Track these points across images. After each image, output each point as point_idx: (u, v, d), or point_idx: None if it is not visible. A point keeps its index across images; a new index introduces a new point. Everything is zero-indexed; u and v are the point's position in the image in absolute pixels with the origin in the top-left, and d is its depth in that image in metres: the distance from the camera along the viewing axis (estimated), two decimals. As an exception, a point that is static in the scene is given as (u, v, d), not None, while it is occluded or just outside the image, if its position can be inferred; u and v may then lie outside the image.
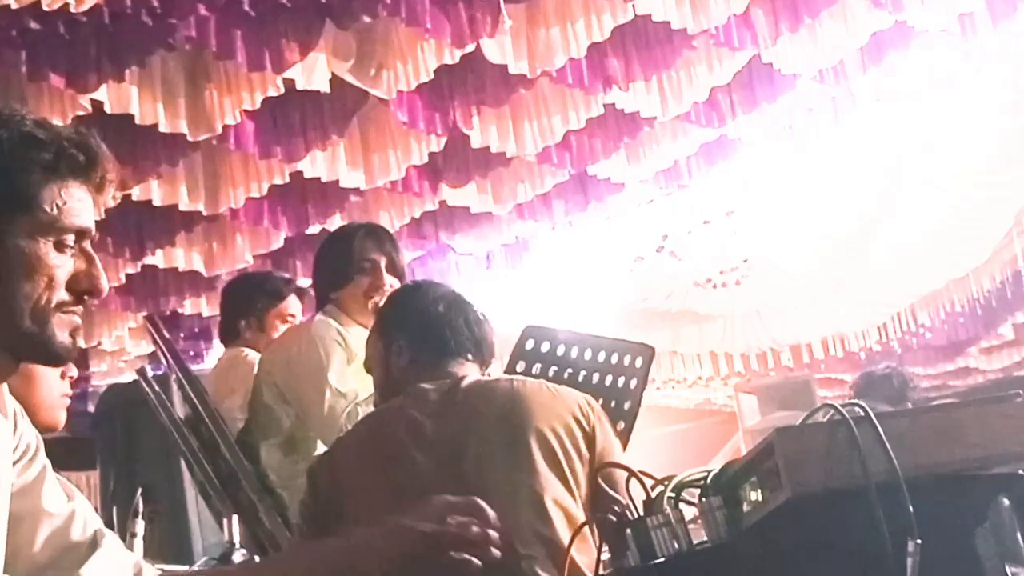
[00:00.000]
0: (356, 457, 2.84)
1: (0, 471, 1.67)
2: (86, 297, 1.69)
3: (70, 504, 1.79)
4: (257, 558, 3.07)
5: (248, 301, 4.53)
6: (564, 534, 2.59)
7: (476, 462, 2.69)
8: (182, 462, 3.71)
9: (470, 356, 2.97)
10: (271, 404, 3.84)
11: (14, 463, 1.73)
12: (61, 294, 1.65)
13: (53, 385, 2.48)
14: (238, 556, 2.92)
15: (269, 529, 3.38)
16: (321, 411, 3.62)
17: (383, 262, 3.84)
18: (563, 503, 2.67)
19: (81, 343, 1.76)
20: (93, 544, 1.79)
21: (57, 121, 5.16)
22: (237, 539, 3.01)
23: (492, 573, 1.90)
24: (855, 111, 7.60)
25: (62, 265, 1.66)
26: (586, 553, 2.53)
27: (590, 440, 2.76)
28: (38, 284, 1.63)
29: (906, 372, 6.63)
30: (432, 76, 5.82)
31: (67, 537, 1.76)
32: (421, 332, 2.97)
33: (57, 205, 1.65)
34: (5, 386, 1.74)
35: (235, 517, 3.08)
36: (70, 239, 1.67)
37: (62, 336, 1.66)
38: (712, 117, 7.08)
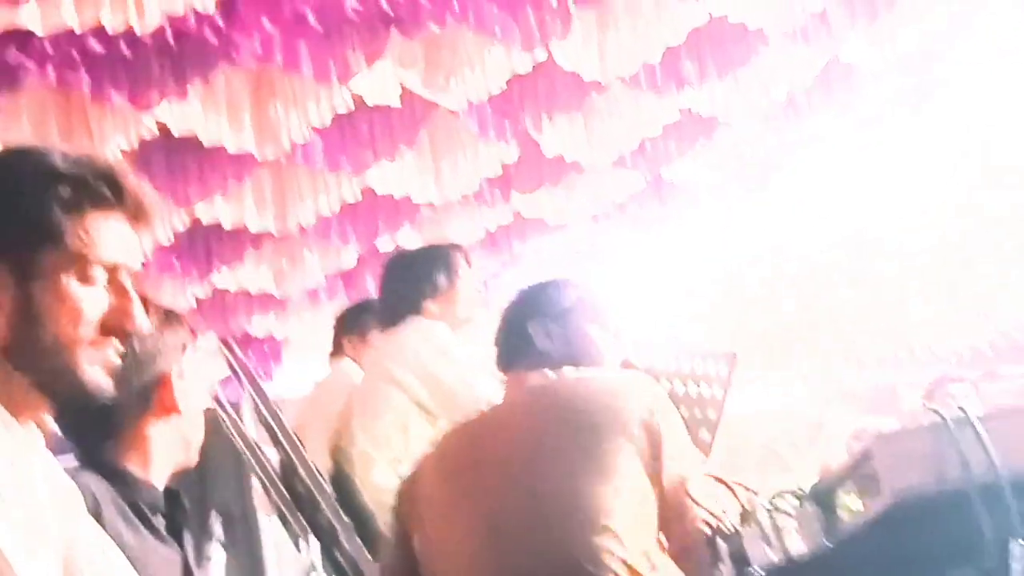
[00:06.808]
0: (435, 493, 2.85)
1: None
2: (121, 334, 1.62)
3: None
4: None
5: (354, 319, 4.84)
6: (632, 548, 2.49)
7: (544, 474, 2.67)
8: (255, 483, 3.71)
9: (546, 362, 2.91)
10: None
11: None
12: (87, 330, 1.58)
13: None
14: (316, 579, 2.89)
15: (349, 552, 3.35)
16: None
17: None
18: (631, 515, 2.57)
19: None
20: None
21: (122, 141, 5.18)
22: (318, 562, 3.00)
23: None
24: (929, 104, 7.46)
25: (87, 299, 1.59)
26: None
27: (655, 441, 2.65)
28: (62, 320, 1.57)
29: None
30: (505, 87, 5.76)
31: None
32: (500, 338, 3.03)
33: (80, 237, 1.58)
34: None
35: (313, 539, 3.05)
36: (97, 272, 1.60)
37: (91, 373, 1.59)
38: (791, 116, 6.96)
